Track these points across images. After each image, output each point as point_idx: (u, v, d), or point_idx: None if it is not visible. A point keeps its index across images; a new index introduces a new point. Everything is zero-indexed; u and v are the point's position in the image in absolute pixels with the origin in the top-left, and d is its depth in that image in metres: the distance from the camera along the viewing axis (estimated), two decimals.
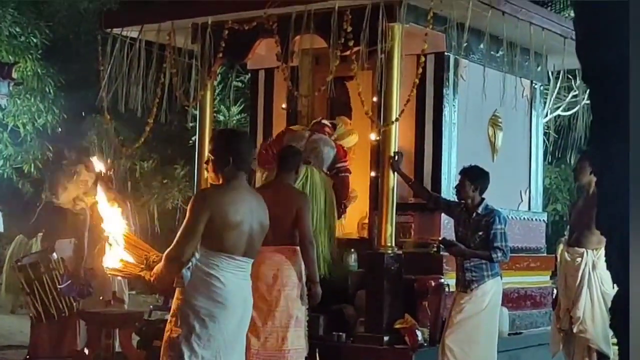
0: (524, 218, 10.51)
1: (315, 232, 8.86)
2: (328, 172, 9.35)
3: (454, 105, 9.57)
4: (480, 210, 7.98)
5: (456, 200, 8.35)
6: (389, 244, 8.67)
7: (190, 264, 5.27)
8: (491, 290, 7.93)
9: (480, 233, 7.91)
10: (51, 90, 16.78)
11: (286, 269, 7.73)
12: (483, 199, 8.04)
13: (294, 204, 7.81)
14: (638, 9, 3.12)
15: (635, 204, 3.09)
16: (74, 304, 9.38)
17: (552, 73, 11.56)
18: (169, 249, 5.31)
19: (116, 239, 5.66)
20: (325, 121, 9.71)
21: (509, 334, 9.35)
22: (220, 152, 5.51)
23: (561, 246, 9.03)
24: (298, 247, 7.78)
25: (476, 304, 7.89)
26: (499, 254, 7.83)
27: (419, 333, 8.42)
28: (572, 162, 17.57)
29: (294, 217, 7.74)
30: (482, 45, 9.40)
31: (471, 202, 8.02)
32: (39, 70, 16.63)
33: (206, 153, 9.89)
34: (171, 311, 5.47)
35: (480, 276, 7.90)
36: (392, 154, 8.72)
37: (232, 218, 5.32)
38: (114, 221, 5.76)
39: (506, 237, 7.91)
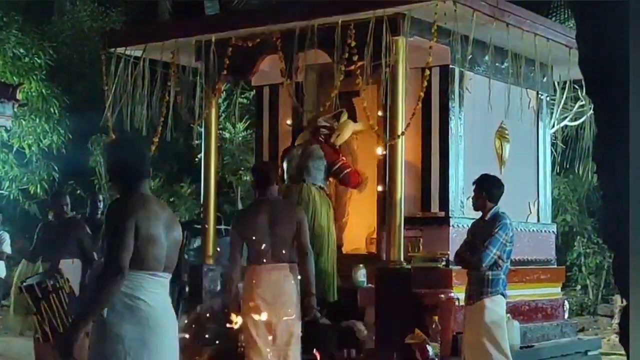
0: (533, 230, 10.45)
1: (320, 248, 8.89)
2: (326, 183, 9.36)
3: (460, 118, 9.53)
4: (488, 217, 7.90)
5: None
6: (398, 259, 8.62)
7: None
8: (489, 307, 7.72)
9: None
10: (56, 111, 16.82)
11: (286, 287, 7.69)
12: (494, 206, 7.96)
13: (295, 217, 7.85)
14: (638, 9, 3.09)
15: (635, 207, 3.05)
16: None
17: (558, 83, 11.52)
18: (106, 265, 4.68)
19: None
20: (322, 122, 9.62)
21: (520, 347, 9.27)
22: (109, 163, 5.15)
23: None
24: (296, 264, 7.75)
25: (475, 319, 7.78)
26: (474, 257, 7.72)
27: (429, 348, 8.36)
28: (581, 172, 17.57)
29: (294, 231, 7.74)
30: (487, 57, 9.36)
31: (485, 211, 7.96)
32: (43, 91, 16.67)
33: (212, 170, 9.97)
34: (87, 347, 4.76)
35: (479, 291, 7.76)
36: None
37: (153, 231, 4.80)
38: None
39: (495, 243, 7.70)
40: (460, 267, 8.32)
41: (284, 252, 7.70)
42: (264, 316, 7.65)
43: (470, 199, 8.31)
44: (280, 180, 9.43)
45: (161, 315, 4.83)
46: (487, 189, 7.96)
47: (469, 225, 8.30)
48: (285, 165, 9.53)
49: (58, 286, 9.32)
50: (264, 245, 7.71)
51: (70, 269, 9.50)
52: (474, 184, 8.09)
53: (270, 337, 7.65)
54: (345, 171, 9.46)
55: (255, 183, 8.15)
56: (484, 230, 7.85)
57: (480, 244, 7.82)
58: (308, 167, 9.33)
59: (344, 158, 9.54)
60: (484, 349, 7.77)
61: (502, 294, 7.84)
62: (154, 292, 4.79)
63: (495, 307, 7.79)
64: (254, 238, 7.78)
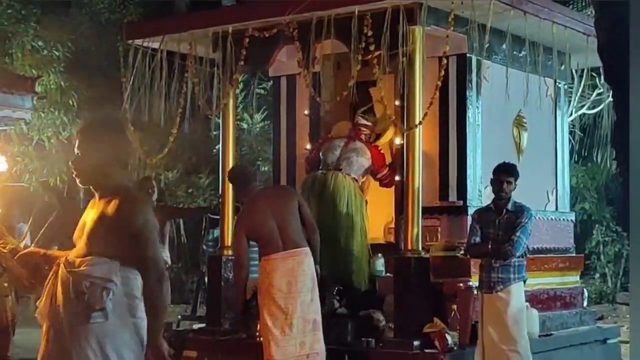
0: (552, 218, 10.42)
1: (350, 236, 8.93)
2: (359, 178, 9.40)
3: (477, 107, 9.51)
4: (510, 207, 7.97)
5: (490, 204, 8.26)
6: (416, 248, 8.62)
7: (110, 291, 4.44)
8: (516, 293, 7.92)
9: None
10: (75, 103, 16.86)
11: (299, 274, 7.76)
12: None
13: (293, 197, 8.10)
14: (638, 9, 3.09)
15: (635, 204, 3.05)
16: None
17: (575, 71, 11.49)
18: (154, 271, 4.45)
19: None
20: (362, 121, 9.68)
21: (539, 336, 9.27)
22: (95, 146, 4.55)
23: None
24: (307, 248, 7.82)
25: (500, 306, 7.86)
26: (507, 247, 7.81)
27: (448, 337, 8.37)
28: (599, 160, 17.53)
29: (297, 210, 7.84)
30: (504, 46, 9.34)
31: (506, 200, 7.99)
32: (62, 84, 16.72)
33: (230, 161, 9.98)
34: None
35: (507, 278, 7.88)
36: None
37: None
38: None
39: (525, 232, 7.90)
40: (475, 257, 8.34)
41: (294, 237, 7.80)
42: (280, 306, 7.69)
43: (497, 187, 8.18)
44: (316, 168, 9.52)
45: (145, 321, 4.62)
46: (517, 177, 8.05)
47: (475, 216, 8.31)
48: (322, 155, 9.56)
49: None
50: (273, 236, 7.80)
51: None
52: (501, 171, 8.07)
53: (287, 327, 7.69)
54: (390, 178, 9.53)
55: (237, 187, 8.29)
56: (509, 221, 7.90)
57: (501, 233, 7.89)
58: (349, 160, 9.36)
59: (387, 164, 9.58)
60: (509, 336, 7.84)
61: (524, 280, 8.03)
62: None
63: (521, 293, 7.99)
64: (262, 232, 7.85)
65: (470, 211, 9.17)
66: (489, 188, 8.55)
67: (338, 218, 9.05)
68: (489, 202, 8.46)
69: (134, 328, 4.50)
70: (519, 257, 7.93)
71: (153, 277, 4.45)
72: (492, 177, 8.23)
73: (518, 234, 7.85)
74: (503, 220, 7.99)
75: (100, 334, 4.41)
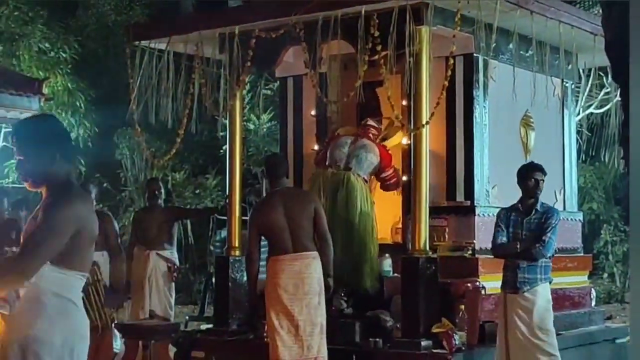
0: (560, 218, 10.38)
1: (353, 235, 8.93)
2: (368, 178, 9.39)
3: (484, 107, 9.50)
4: (539, 207, 7.96)
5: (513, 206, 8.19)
6: (424, 248, 8.61)
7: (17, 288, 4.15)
8: (543, 293, 7.90)
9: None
10: (82, 105, 16.90)
11: (307, 277, 7.76)
12: None
13: (311, 202, 8.03)
14: (638, 9, 3.07)
15: (635, 203, 3.04)
16: (112, 315, 9.45)
17: (583, 71, 11.47)
18: (18, 260, 4.14)
19: None
20: (371, 122, 9.70)
21: None
22: (41, 146, 4.25)
23: None
24: (316, 252, 7.82)
25: (526, 307, 7.84)
26: (539, 247, 7.79)
27: (456, 337, 8.36)
28: (607, 159, 17.50)
29: (312, 218, 7.82)
30: (511, 46, 9.33)
31: (535, 200, 7.98)
32: (69, 85, 16.76)
33: (237, 162, 9.99)
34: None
35: (533, 278, 7.86)
36: None
37: (94, 233, 4.33)
38: None
39: (555, 233, 7.92)
40: (501, 257, 8.28)
41: (304, 241, 7.80)
42: (286, 307, 7.70)
43: (533, 186, 8.10)
44: (322, 165, 9.52)
45: (86, 321, 4.39)
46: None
47: (500, 215, 8.20)
48: (329, 151, 9.55)
49: (96, 278, 9.44)
50: (283, 237, 7.81)
51: (101, 261, 9.58)
52: (537, 170, 8.04)
53: (293, 328, 7.70)
54: (393, 180, 9.50)
55: (267, 174, 8.30)
56: (535, 221, 7.89)
57: (528, 234, 7.89)
58: (359, 157, 9.35)
59: (394, 165, 9.57)
60: (537, 336, 7.82)
61: (550, 281, 8.04)
62: (79, 295, 4.31)
63: (546, 293, 7.97)
64: (272, 231, 7.87)
65: (478, 211, 9.17)
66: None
67: (352, 220, 9.02)
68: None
69: (67, 330, 4.23)
70: (548, 257, 7.92)
71: (27, 261, 4.12)
72: (522, 176, 8.09)
73: (549, 234, 7.84)
74: (531, 221, 7.95)
75: (29, 329, 4.15)
